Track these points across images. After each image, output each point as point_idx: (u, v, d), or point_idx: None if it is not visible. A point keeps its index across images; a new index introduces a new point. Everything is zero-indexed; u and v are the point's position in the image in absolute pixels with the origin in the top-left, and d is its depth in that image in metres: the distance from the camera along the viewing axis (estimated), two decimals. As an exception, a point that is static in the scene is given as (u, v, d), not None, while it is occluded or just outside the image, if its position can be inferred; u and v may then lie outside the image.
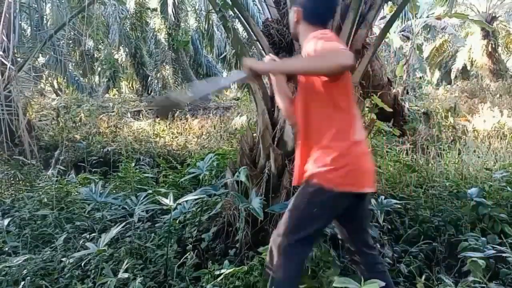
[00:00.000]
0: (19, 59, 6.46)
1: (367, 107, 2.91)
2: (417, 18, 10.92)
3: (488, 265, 2.02)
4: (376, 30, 4.93)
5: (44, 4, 7.84)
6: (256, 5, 11.77)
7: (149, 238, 2.72)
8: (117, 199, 2.93)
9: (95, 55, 18.80)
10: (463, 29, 19.67)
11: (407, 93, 8.92)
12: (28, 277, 2.16)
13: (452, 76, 19.18)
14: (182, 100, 1.54)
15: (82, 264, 2.33)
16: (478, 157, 4.69)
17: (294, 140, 2.28)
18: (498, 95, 11.54)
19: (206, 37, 15.75)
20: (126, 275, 1.96)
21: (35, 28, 7.60)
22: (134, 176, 3.86)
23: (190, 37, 15.89)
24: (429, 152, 4.76)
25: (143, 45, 15.94)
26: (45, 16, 8.39)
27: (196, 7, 16.88)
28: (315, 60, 1.55)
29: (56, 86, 18.26)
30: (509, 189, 3.07)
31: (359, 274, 1.75)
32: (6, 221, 2.64)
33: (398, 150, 4.77)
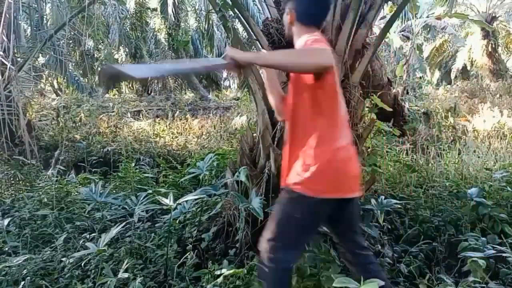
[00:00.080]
0: (19, 59, 6.46)
1: (367, 107, 2.90)
2: (417, 18, 10.93)
3: (488, 265, 2.02)
4: (376, 30, 4.92)
5: (44, 4, 7.84)
6: (256, 5, 11.77)
7: (149, 238, 2.72)
8: (117, 199, 2.93)
9: (95, 55, 18.80)
10: (463, 29, 19.67)
11: (407, 93, 8.91)
12: (28, 277, 2.16)
13: (452, 76, 19.18)
14: (132, 75, 1.45)
15: (82, 264, 2.33)
16: (478, 157, 4.70)
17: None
18: (498, 95, 11.54)
19: (206, 37, 15.74)
20: (126, 275, 1.96)
21: (35, 28, 7.60)
22: (134, 176, 3.86)
23: (190, 37, 15.89)
24: (429, 152, 4.76)
25: (143, 45, 15.95)
26: (45, 16, 8.40)
27: (196, 7, 16.88)
28: (295, 56, 1.55)
29: (56, 86, 18.26)
30: (509, 189, 3.07)
31: (353, 275, 1.75)
32: (6, 221, 2.64)
33: (398, 150, 4.78)
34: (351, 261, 1.80)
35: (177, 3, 14.69)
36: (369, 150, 2.94)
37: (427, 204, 3.12)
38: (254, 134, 2.78)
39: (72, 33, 8.29)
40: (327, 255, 2.10)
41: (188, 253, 2.41)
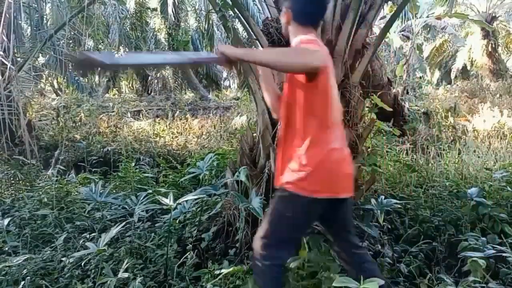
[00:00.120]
0: (19, 59, 6.46)
1: (367, 107, 2.90)
2: (417, 18, 10.93)
3: (488, 264, 2.02)
4: (376, 30, 4.93)
5: (44, 4, 7.84)
6: (256, 4, 11.76)
7: (149, 237, 2.72)
8: (117, 199, 2.93)
9: (95, 55, 18.76)
10: (463, 29, 19.66)
11: (407, 93, 8.92)
12: (28, 277, 2.16)
13: (452, 76, 19.18)
14: (105, 62, 1.42)
15: (82, 264, 2.33)
16: (478, 157, 4.70)
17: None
18: (498, 95, 11.54)
19: (206, 37, 15.72)
20: (126, 274, 1.96)
21: (35, 28, 7.60)
22: (134, 176, 3.86)
23: (190, 37, 15.89)
24: (429, 152, 4.76)
25: (143, 45, 15.92)
26: (45, 16, 8.40)
27: (196, 7, 16.88)
28: (284, 55, 1.55)
29: (56, 86, 18.25)
30: (509, 189, 3.07)
31: (349, 274, 1.77)
32: (6, 221, 2.64)
33: (398, 150, 4.78)
34: (346, 260, 1.82)
35: (177, 3, 14.70)
36: (369, 150, 2.93)
37: (427, 204, 3.12)
38: (254, 134, 2.78)
39: (72, 33, 8.29)
40: (326, 255, 2.10)
41: (188, 253, 2.41)
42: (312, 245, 2.12)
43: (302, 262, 1.99)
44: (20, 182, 4.43)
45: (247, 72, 2.68)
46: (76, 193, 3.63)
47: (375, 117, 2.84)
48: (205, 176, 2.85)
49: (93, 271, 2.29)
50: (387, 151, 4.40)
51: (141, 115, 10.15)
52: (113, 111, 9.34)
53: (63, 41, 7.89)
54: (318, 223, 1.93)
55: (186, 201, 2.44)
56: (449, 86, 16.15)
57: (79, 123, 7.59)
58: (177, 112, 10.36)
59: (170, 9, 14.46)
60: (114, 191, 3.66)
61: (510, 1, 15.87)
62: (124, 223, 2.41)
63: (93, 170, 4.85)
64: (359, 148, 2.63)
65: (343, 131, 1.77)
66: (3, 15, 4.55)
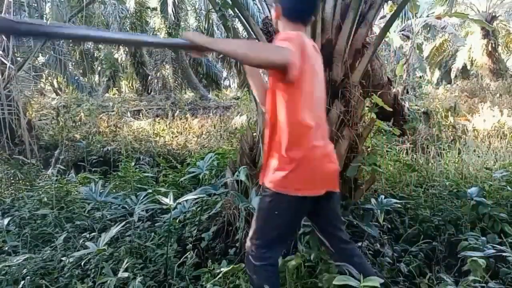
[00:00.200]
0: (19, 58, 6.46)
1: (367, 106, 2.90)
2: (417, 18, 10.93)
3: (488, 264, 2.02)
4: (376, 30, 4.92)
5: (44, 3, 7.84)
6: (256, 4, 11.76)
7: (149, 237, 2.72)
8: (117, 198, 2.92)
9: (95, 55, 18.80)
10: (463, 29, 19.66)
11: (407, 92, 8.92)
12: (28, 277, 2.16)
13: (452, 75, 19.19)
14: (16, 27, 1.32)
15: (82, 264, 2.33)
16: (478, 156, 4.70)
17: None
18: (498, 95, 11.54)
19: (206, 37, 15.70)
20: (126, 274, 1.96)
21: (35, 28, 7.57)
22: (134, 176, 3.86)
23: (190, 36, 15.84)
24: (429, 152, 4.76)
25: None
26: (45, 16, 8.39)
27: (196, 7, 16.88)
28: (248, 48, 1.54)
29: (56, 85, 18.26)
30: (509, 188, 3.07)
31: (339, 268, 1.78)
32: (6, 221, 2.64)
33: (398, 150, 4.78)
34: (335, 255, 1.83)
35: (177, 3, 14.69)
36: (369, 149, 2.93)
37: (427, 204, 3.12)
38: (254, 134, 2.78)
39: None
40: (325, 255, 2.10)
41: (188, 253, 2.41)
42: (312, 244, 2.12)
43: (301, 261, 1.99)
44: (20, 181, 4.43)
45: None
46: (76, 192, 3.63)
47: (375, 116, 2.84)
48: (205, 175, 2.86)
49: (93, 270, 2.29)
50: (387, 151, 4.40)
51: (141, 115, 10.15)
52: (113, 111, 9.34)
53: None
54: (306, 219, 1.93)
55: (186, 200, 2.44)
56: (449, 85, 16.16)
57: (79, 122, 7.59)
58: (177, 111, 10.37)
59: (170, 8, 14.46)
60: (114, 190, 3.66)
61: (510, 0, 15.86)
62: (124, 222, 2.41)
63: (93, 169, 4.85)
64: (359, 148, 2.63)
65: (325, 127, 1.76)
66: (3, 14, 4.55)
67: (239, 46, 1.56)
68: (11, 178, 4.48)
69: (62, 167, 4.55)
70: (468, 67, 17.82)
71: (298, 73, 1.53)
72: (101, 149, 5.85)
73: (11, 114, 5.27)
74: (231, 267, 2.01)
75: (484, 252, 2.06)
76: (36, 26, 1.28)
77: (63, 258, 2.38)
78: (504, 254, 2.10)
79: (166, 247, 2.39)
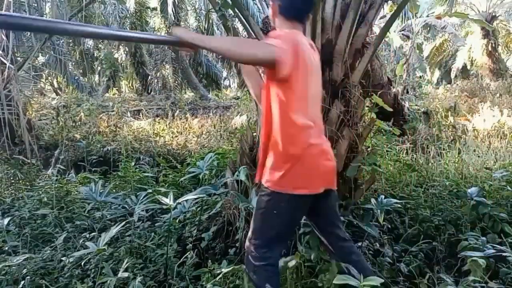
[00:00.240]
0: (19, 58, 6.46)
1: (367, 106, 2.90)
2: (417, 18, 10.93)
3: (488, 264, 2.02)
4: (376, 29, 4.92)
5: (44, 3, 7.84)
6: (256, 4, 11.76)
7: (149, 237, 2.72)
8: (117, 198, 2.93)
9: (95, 54, 18.80)
10: (463, 28, 19.66)
11: (407, 92, 8.93)
12: (28, 277, 2.16)
13: (452, 75, 19.18)
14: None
15: (82, 264, 2.33)
16: (478, 156, 4.70)
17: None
18: (498, 95, 11.53)
19: (206, 36, 15.70)
20: (126, 274, 1.96)
21: (35, 27, 7.57)
22: (134, 176, 3.86)
23: (190, 36, 15.83)
24: (429, 152, 4.76)
25: (143, 44, 15.93)
26: (45, 15, 8.39)
27: (196, 6, 16.88)
28: (232, 44, 1.54)
29: (56, 85, 18.25)
30: (509, 188, 3.07)
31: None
32: (6, 220, 2.64)
33: (398, 150, 4.78)
34: (333, 252, 1.83)
35: (177, 2, 14.69)
36: (369, 149, 2.93)
37: (427, 204, 3.12)
38: (254, 134, 2.78)
39: (72, 32, 8.27)
40: (325, 255, 2.10)
41: (188, 253, 2.41)
42: (312, 244, 2.12)
43: (301, 261, 1.99)
44: (20, 181, 4.43)
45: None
46: (76, 192, 3.63)
47: (375, 116, 2.84)
48: (205, 175, 2.85)
49: (93, 270, 2.29)
50: (387, 151, 4.40)
51: (141, 115, 10.15)
52: (113, 111, 9.34)
53: (62, 40, 7.88)
54: (305, 218, 1.93)
55: (186, 200, 2.44)
56: (449, 85, 16.15)
57: (79, 122, 7.59)
58: (177, 111, 10.36)
59: (170, 8, 14.46)
60: (114, 190, 3.66)
61: (510, 0, 15.86)
62: (124, 222, 2.40)
63: (93, 169, 4.85)
64: (359, 148, 2.63)
65: (322, 125, 1.75)
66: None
67: (226, 42, 1.57)
68: (11, 178, 4.48)
69: (62, 167, 4.55)
70: (468, 67, 17.82)
71: (290, 70, 1.53)
72: (101, 149, 5.85)
73: (11, 114, 5.27)
74: (231, 267, 2.01)
75: (484, 252, 2.06)
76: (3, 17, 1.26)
77: (63, 258, 2.38)
78: (504, 254, 2.09)
79: (166, 247, 2.39)
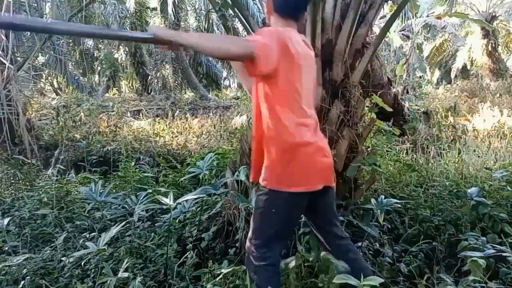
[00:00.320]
0: (18, 58, 6.46)
1: (367, 106, 2.90)
2: (417, 18, 10.93)
3: (488, 264, 2.02)
4: (376, 29, 4.93)
5: (44, 3, 7.84)
6: (256, 4, 11.77)
7: (149, 237, 2.72)
8: (117, 198, 2.93)
9: (95, 54, 18.81)
10: (463, 28, 19.66)
11: (407, 92, 8.93)
12: (28, 277, 2.16)
13: (452, 75, 19.18)
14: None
15: (82, 264, 2.33)
16: (478, 156, 4.70)
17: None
18: (498, 95, 11.52)
19: (206, 36, 15.67)
20: (126, 274, 1.96)
21: (34, 27, 7.57)
22: (134, 176, 3.86)
23: (190, 36, 15.83)
24: (429, 152, 4.76)
25: (143, 44, 15.93)
26: (45, 15, 8.39)
27: (196, 6, 16.89)
28: (209, 40, 1.54)
29: (56, 85, 18.25)
30: (509, 188, 3.07)
31: None
32: (6, 221, 2.64)
33: (398, 150, 4.77)
34: (330, 250, 1.83)
35: (177, 2, 14.69)
36: (369, 149, 2.93)
37: (427, 204, 3.12)
38: (254, 134, 2.77)
39: (72, 32, 8.27)
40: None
41: (188, 253, 2.41)
42: (311, 244, 2.12)
43: (301, 262, 1.99)
44: (20, 181, 4.43)
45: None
46: (76, 192, 3.63)
47: (375, 116, 2.84)
48: (205, 175, 2.85)
49: (93, 270, 2.29)
50: (387, 151, 4.40)
51: (141, 115, 10.14)
52: (113, 111, 9.34)
53: (62, 40, 7.88)
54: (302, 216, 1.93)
55: (186, 200, 2.44)
56: (449, 85, 16.15)
57: (79, 122, 7.59)
58: (177, 111, 10.36)
59: (170, 8, 14.46)
60: (114, 190, 3.66)
61: (510, 0, 15.86)
62: (124, 222, 2.40)
63: (93, 169, 4.85)
64: (359, 148, 2.63)
65: (315, 121, 1.73)
66: (3, 14, 4.55)
67: (201, 39, 1.56)
68: (11, 178, 4.48)
69: (62, 167, 4.55)
70: (468, 67, 17.82)
71: (271, 66, 1.52)
72: (101, 149, 5.85)
73: (11, 114, 5.27)
74: (231, 268, 2.01)
75: (484, 252, 2.06)
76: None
77: (63, 258, 2.38)
78: (504, 254, 2.09)
79: (166, 247, 2.39)
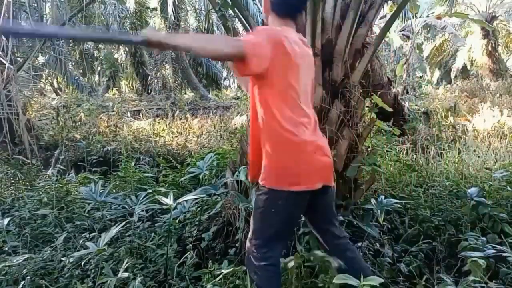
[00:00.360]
0: (18, 58, 6.46)
1: (367, 106, 2.90)
2: (417, 18, 10.93)
3: (488, 264, 2.02)
4: (376, 30, 4.93)
5: (43, 3, 7.84)
6: (256, 4, 11.77)
7: (149, 237, 2.72)
8: (117, 198, 2.93)
9: (95, 55, 18.81)
10: (463, 29, 19.66)
11: (407, 92, 8.93)
12: (28, 277, 2.16)
13: (452, 75, 19.19)
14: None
15: (82, 264, 2.33)
16: (478, 156, 4.70)
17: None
18: (498, 95, 11.52)
19: (206, 37, 15.67)
20: (126, 274, 1.96)
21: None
22: (134, 176, 3.86)
23: (190, 36, 15.84)
24: (429, 152, 4.76)
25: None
26: (44, 16, 8.39)
27: (196, 7, 16.89)
28: (200, 40, 1.53)
29: (56, 85, 18.25)
30: (509, 188, 3.07)
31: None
32: (6, 221, 2.64)
33: (398, 150, 4.77)
34: (328, 249, 1.83)
35: (177, 3, 14.69)
36: (369, 149, 2.93)
37: (427, 204, 3.12)
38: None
39: (72, 33, 8.26)
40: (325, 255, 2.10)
41: (188, 253, 2.41)
42: (311, 244, 2.12)
43: (301, 262, 1.99)
44: (20, 181, 4.43)
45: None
46: (76, 192, 3.63)
47: (375, 116, 2.84)
48: (205, 175, 2.85)
49: (93, 270, 2.29)
50: (387, 151, 4.40)
51: (141, 115, 10.15)
52: (113, 111, 9.34)
53: (62, 40, 7.88)
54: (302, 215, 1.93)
55: (186, 200, 2.44)
56: (449, 85, 16.16)
57: (79, 122, 7.58)
58: (177, 111, 10.36)
59: (170, 8, 14.46)
60: (114, 190, 3.66)
61: (510, 0, 15.87)
62: (124, 222, 2.40)
63: (93, 169, 4.85)
64: (359, 148, 2.63)
65: (314, 121, 1.73)
66: (3, 14, 4.55)
67: (193, 40, 1.56)
68: (11, 178, 4.48)
69: (62, 167, 4.55)
70: (468, 67, 17.82)
71: (266, 66, 1.51)
72: (101, 149, 5.85)
73: (11, 114, 5.27)
74: (231, 268, 2.01)
75: (484, 252, 2.06)
76: None
77: (63, 258, 2.38)
78: (504, 254, 2.09)
79: (166, 247, 2.39)
